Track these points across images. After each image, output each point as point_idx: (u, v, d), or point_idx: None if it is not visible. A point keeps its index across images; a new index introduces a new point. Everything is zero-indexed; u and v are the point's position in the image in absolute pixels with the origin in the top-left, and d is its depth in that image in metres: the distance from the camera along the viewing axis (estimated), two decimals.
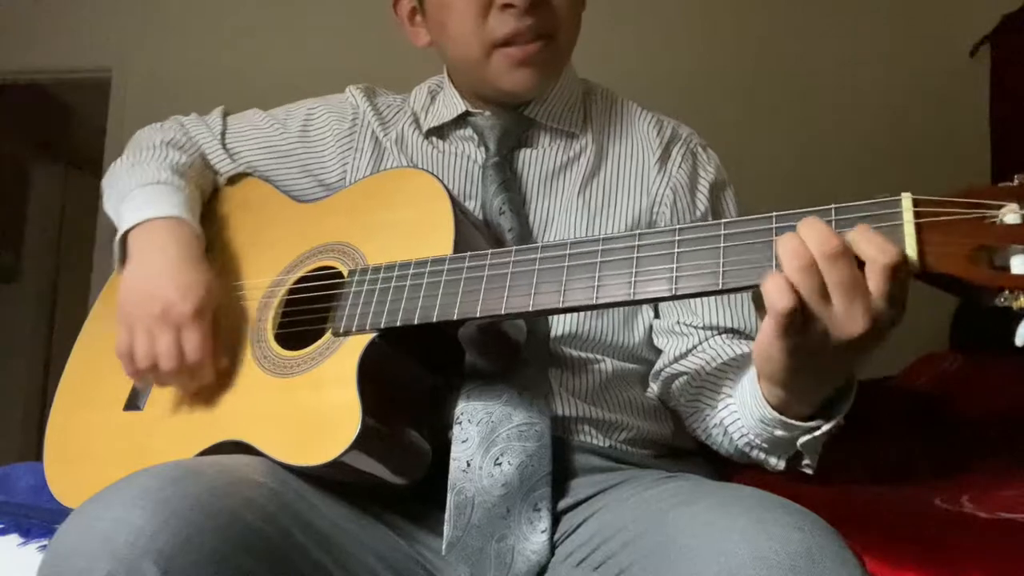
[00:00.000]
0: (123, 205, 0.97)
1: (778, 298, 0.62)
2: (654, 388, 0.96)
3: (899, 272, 0.60)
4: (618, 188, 0.99)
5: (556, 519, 0.83)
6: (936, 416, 1.86)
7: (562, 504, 0.84)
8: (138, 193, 0.96)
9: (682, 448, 0.98)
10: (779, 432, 0.75)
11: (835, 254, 0.60)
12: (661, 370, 0.94)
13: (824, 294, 0.61)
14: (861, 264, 0.61)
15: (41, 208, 4.29)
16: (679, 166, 1.00)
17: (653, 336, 0.97)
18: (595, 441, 0.90)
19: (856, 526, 1.00)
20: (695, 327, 0.93)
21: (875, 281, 0.61)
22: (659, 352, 0.96)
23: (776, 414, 0.73)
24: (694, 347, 0.93)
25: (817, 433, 0.73)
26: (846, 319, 0.61)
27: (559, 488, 0.84)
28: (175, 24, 3.23)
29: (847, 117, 2.76)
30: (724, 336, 0.93)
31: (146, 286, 0.88)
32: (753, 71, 2.86)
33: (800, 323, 0.63)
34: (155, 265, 0.89)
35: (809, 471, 0.80)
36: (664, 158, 1.00)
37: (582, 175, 0.99)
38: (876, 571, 0.91)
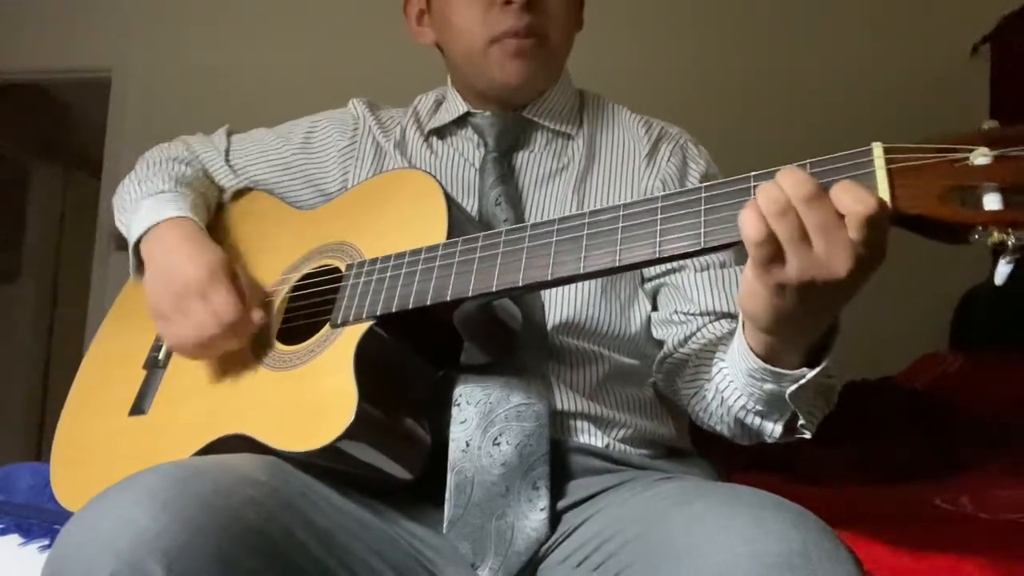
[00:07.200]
0: (131, 217, 1.02)
1: (750, 229, 0.62)
2: (658, 378, 0.97)
3: (878, 221, 0.61)
4: (610, 186, 1.02)
5: (556, 518, 0.83)
6: (936, 416, 1.86)
7: (561, 505, 0.84)
8: (143, 203, 1.01)
9: (681, 449, 0.99)
10: (768, 385, 0.75)
11: (810, 197, 0.61)
12: (664, 359, 0.95)
13: (803, 237, 0.62)
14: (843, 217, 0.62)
15: (41, 208, 4.30)
16: (668, 160, 1.03)
17: (652, 329, 0.98)
18: (593, 441, 0.91)
19: (855, 526, 1.00)
20: (692, 314, 0.94)
21: (855, 231, 0.61)
22: (659, 345, 0.97)
23: (761, 362, 0.73)
24: (693, 334, 0.94)
25: (803, 381, 0.72)
26: (829, 260, 0.62)
27: (558, 489, 0.84)
28: (175, 24, 3.23)
29: (846, 117, 2.76)
30: (723, 321, 0.94)
31: (164, 278, 0.92)
32: (751, 72, 2.86)
33: (777, 259, 0.63)
34: (166, 259, 0.94)
35: (807, 433, 0.79)
36: (653, 153, 1.04)
37: (575, 176, 1.02)
38: (874, 570, 0.91)
